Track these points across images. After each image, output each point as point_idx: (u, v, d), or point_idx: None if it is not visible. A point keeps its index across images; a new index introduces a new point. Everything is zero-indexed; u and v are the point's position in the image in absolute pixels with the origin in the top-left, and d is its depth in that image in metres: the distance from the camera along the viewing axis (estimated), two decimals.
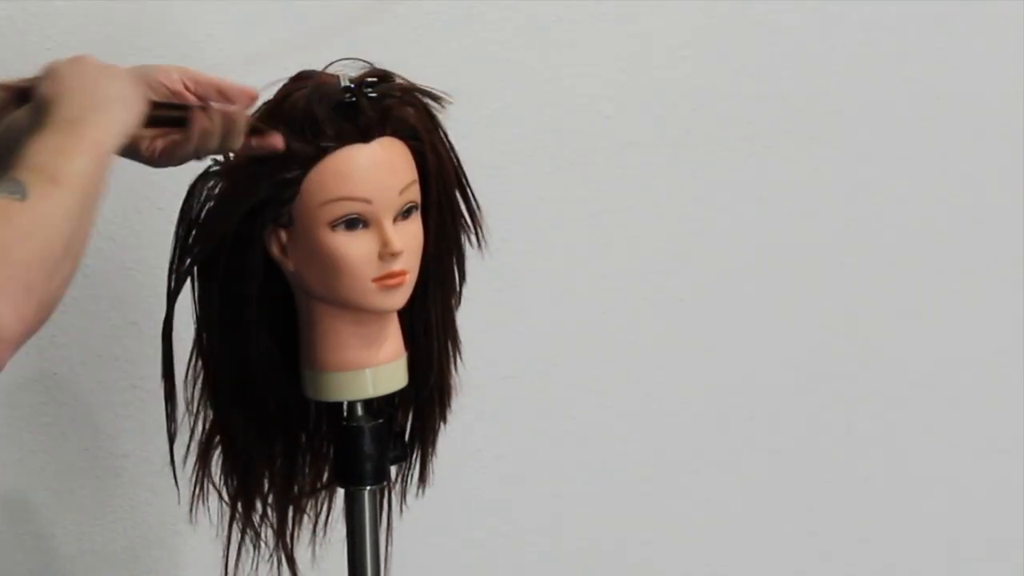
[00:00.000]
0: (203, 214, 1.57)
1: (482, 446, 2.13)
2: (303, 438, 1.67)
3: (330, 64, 1.59)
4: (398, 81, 1.59)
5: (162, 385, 1.62)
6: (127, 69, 1.45)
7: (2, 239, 1.22)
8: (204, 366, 1.62)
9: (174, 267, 1.58)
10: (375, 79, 1.57)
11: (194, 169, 1.57)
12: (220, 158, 1.55)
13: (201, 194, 1.57)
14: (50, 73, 1.42)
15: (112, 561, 1.99)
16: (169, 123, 1.49)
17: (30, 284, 1.22)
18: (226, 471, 1.66)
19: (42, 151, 1.31)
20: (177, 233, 1.59)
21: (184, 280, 1.58)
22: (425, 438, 1.70)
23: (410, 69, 1.62)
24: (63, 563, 1.98)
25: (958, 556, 2.41)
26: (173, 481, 1.66)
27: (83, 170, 1.31)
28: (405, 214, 1.55)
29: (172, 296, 1.58)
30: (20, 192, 1.25)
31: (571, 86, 2.08)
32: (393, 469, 1.68)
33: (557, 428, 2.17)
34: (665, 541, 2.27)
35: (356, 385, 1.59)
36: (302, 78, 1.57)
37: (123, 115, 1.40)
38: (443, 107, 1.59)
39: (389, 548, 1.69)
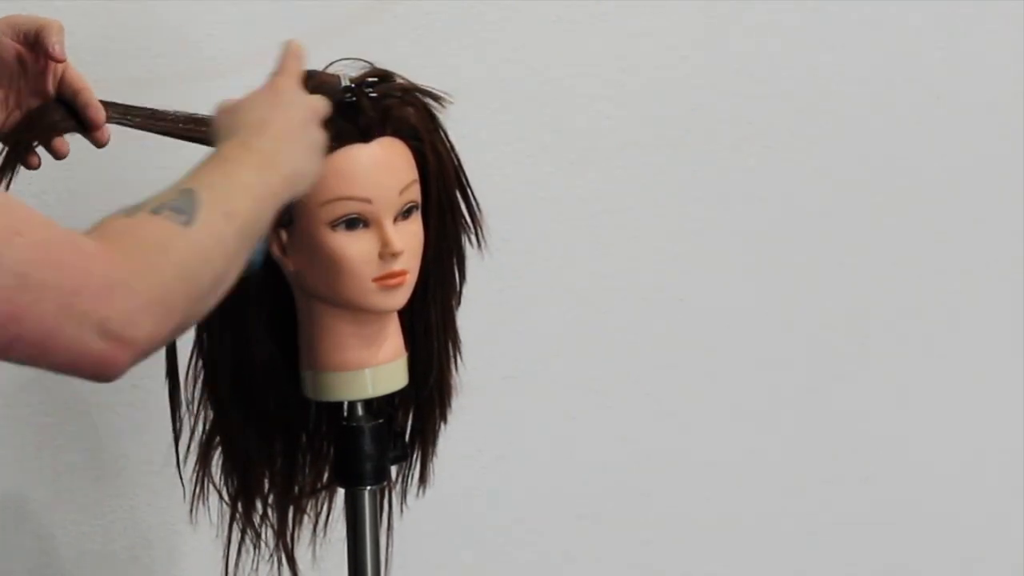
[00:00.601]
0: None
1: (482, 446, 2.13)
2: (303, 438, 1.67)
3: (330, 64, 1.59)
4: (398, 81, 1.59)
5: (166, 383, 1.62)
6: (314, 105, 1.45)
7: (154, 263, 1.21)
8: (204, 366, 1.62)
9: None
10: (375, 79, 1.57)
11: None
12: None
13: None
14: (268, 92, 1.43)
15: (112, 561, 1.99)
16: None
17: (174, 307, 1.22)
18: (226, 471, 1.66)
19: (230, 177, 1.30)
20: None
21: None
22: (425, 438, 1.70)
23: (410, 69, 1.62)
24: (63, 563, 1.98)
25: (958, 557, 2.41)
26: (173, 480, 1.66)
27: (259, 216, 1.31)
28: (405, 214, 1.55)
29: None
30: (188, 216, 1.24)
31: (571, 86, 2.08)
32: (393, 469, 1.68)
33: (557, 428, 2.17)
34: (665, 541, 2.27)
35: (356, 385, 1.59)
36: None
37: (312, 170, 1.42)
38: (443, 107, 1.59)
39: (389, 548, 1.69)
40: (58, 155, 1.53)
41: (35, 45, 1.50)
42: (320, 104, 1.46)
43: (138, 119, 1.52)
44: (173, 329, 1.23)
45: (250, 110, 1.41)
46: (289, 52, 1.49)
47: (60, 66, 1.51)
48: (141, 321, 1.20)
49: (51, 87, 1.51)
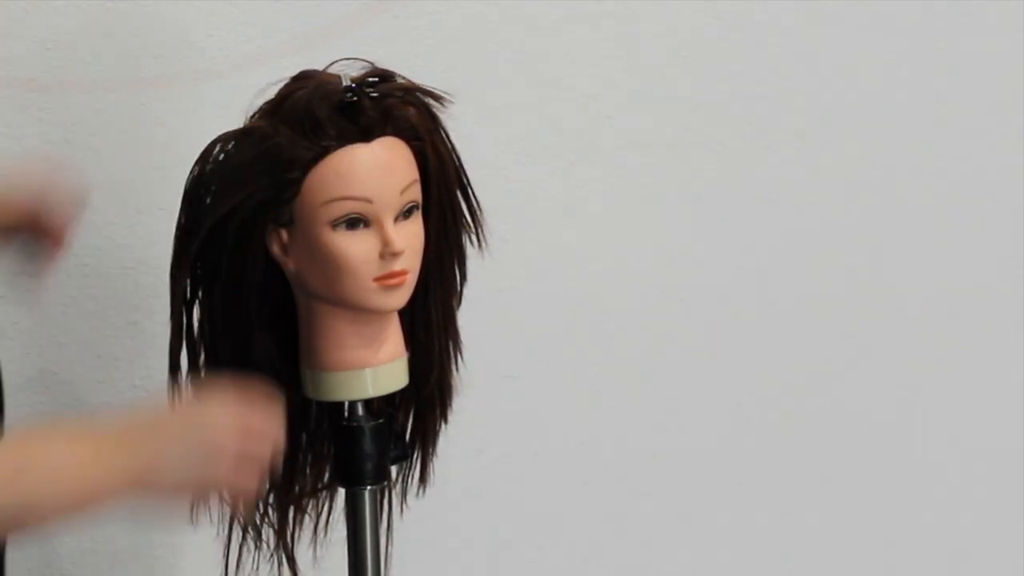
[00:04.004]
0: (202, 213, 1.57)
1: (482, 446, 2.13)
2: (304, 438, 1.67)
3: (331, 64, 1.59)
4: (399, 81, 1.59)
5: (168, 379, 1.62)
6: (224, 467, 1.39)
7: None
8: (205, 366, 1.62)
9: (175, 267, 1.58)
10: (376, 79, 1.57)
11: None
12: (221, 156, 1.55)
13: (201, 193, 1.57)
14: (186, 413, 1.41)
15: (112, 561, 1.99)
16: None
17: None
18: None
19: (49, 440, 1.30)
20: (177, 232, 1.58)
21: (185, 279, 1.58)
22: (425, 438, 1.70)
23: (410, 69, 1.62)
24: (63, 563, 1.98)
25: (958, 557, 2.41)
26: None
27: (59, 496, 1.29)
28: (406, 214, 1.55)
29: (174, 295, 1.58)
30: None
31: (571, 86, 2.08)
32: (393, 469, 1.68)
33: (557, 428, 2.17)
34: (666, 541, 2.27)
35: (356, 385, 1.59)
36: (303, 78, 1.57)
37: (181, 488, 1.38)
38: (444, 106, 1.59)
39: (389, 548, 1.69)
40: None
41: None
42: (227, 440, 1.39)
43: None
44: None
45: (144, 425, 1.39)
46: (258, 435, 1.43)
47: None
48: None
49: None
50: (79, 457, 1.31)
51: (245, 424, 1.39)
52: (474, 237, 1.64)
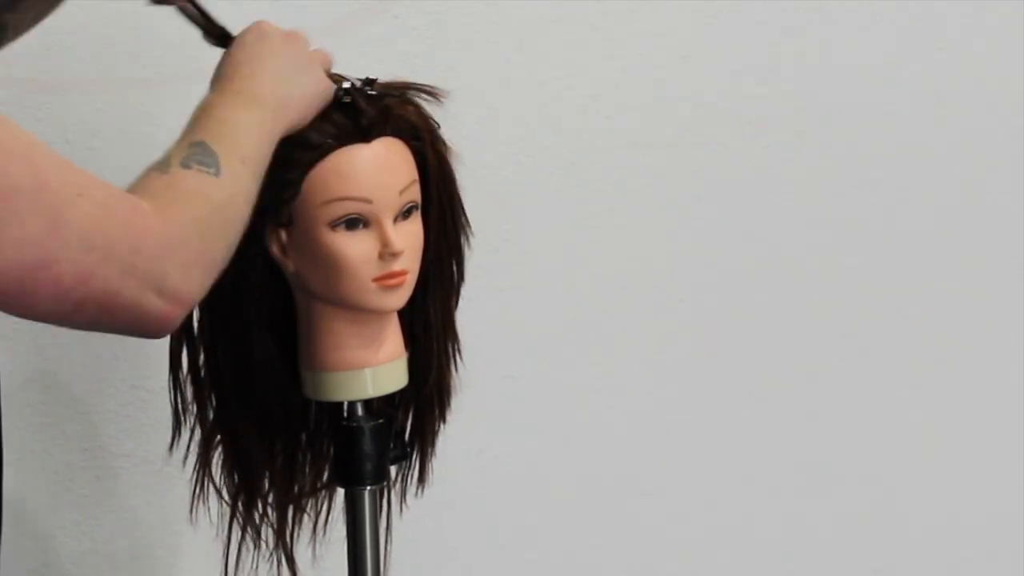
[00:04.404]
0: None
1: (482, 446, 2.13)
2: (303, 438, 1.67)
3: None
4: (398, 81, 1.59)
5: (168, 383, 1.62)
6: (318, 54, 1.49)
7: (203, 214, 1.26)
8: (205, 366, 1.62)
9: None
10: (374, 79, 1.57)
11: None
12: None
13: None
14: (251, 38, 1.46)
15: (112, 561, 1.99)
16: None
17: (217, 258, 1.28)
18: (226, 471, 1.66)
19: (238, 126, 1.35)
20: None
21: None
22: (425, 438, 1.70)
23: (410, 69, 1.62)
24: (63, 563, 1.98)
25: (959, 558, 2.41)
26: (173, 480, 1.66)
27: (263, 154, 1.37)
28: (405, 214, 1.55)
29: None
30: (215, 167, 1.29)
31: (571, 86, 2.09)
32: (393, 469, 1.68)
33: (557, 428, 2.17)
34: (666, 541, 2.27)
35: (356, 385, 1.59)
36: None
37: (312, 109, 1.47)
38: (441, 104, 1.59)
39: (389, 548, 1.69)
40: None
41: None
42: (299, 33, 1.50)
43: None
44: (213, 277, 1.29)
45: (228, 55, 1.46)
46: None
47: None
48: (193, 277, 1.24)
49: None
50: (250, 124, 1.38)
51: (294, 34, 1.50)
52: (473, 237, 1.64)
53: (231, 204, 1.31)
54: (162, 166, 1.29)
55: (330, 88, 1.51)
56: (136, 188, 1.27)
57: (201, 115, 1.37)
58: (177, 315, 1.25)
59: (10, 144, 1.19)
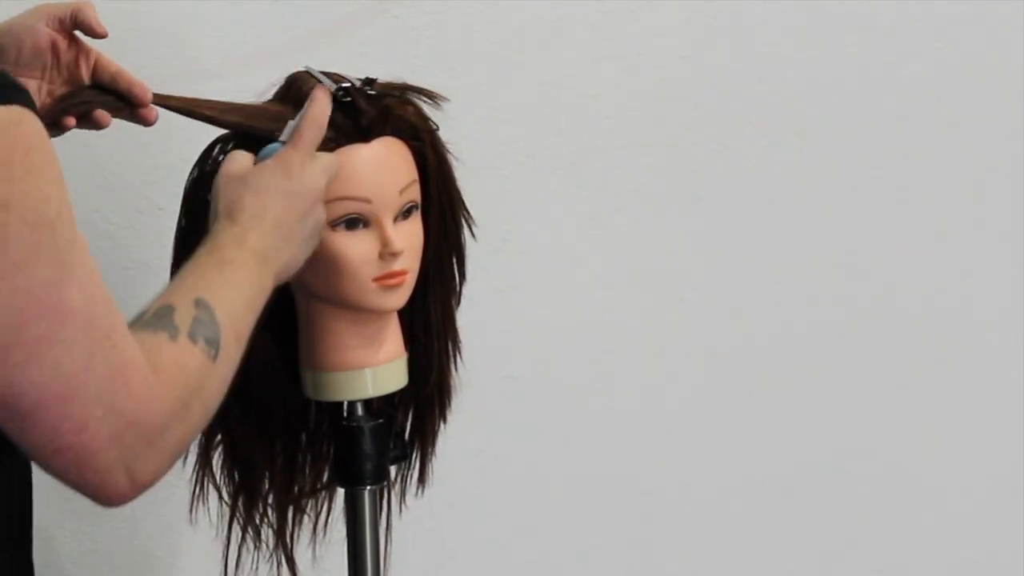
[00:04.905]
0: (202, 213, 1.56)
1: (482, 446, 2.13)
2: (303, 438, 1.67)
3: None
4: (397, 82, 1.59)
5: None
6: (318, 190, 1.44)
7: (195, 404, 1.22)
8: None
9: (176, 268, 1.58)
10: (374, 79, 1.57)
11: None
12: (221, 157, 1.55)
13: (201, 194, 1.57)
14: (277, 170, 1.41)
15: (112, 561, 1.99)
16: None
17: (185, 448, 1.24)
18: (226, 471, 1.66)
19: (236, 288, 1.31)
20: (177, 233, 1.58)
21: None
22: (425, 438, 1.70)
23: (410, 69, 1.62)
24: (63, 563, 1.98)
25: (959, 558, 2.41)
26: (173, 480, 1.65)
27: (252, 322, 1.32)
28: (405, 214, 1.55)
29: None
30: (215, 347, 1.24)
31: (571, 86, 2.08)
32: (393, 469, 1.68)
33: (557, 428, 2.17)
34: (666, 541, 2.27)
35: (356, 385, 1.59)
36: (300, 79, 1.57)
37: (304, 256, 1.43)
38: (439, 106, 1.59)
39: (389, 548, 1.69)
40: (100, 125, 1.53)
41: (74, 26, 1.50)
42: (323, 178, 1.45)
43: (179, 103, 1.52)
44: (173, 465, 1.24)
45: (255, 191, 1.40)
46: (312, 119, 1.46)
47: (93, 53, 1.50)
48: (162, 465, 1.21)
49: (85, 74, 1.51)
50: (253, 291, 1.34)
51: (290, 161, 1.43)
52: (473, 237, 1.64)
53: (218, 391, 1.27)
54: (171, 329, 1.24)
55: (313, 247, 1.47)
56: (143, 343, 1.21)
57: (207, 259, 1.33)
58: (131, 497, 1.21)
59: (82, 270, 1.15)
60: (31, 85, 1.50)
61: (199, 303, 1.27)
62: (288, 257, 1.40)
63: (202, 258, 1.34)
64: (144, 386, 1.18)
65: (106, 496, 1.20)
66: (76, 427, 1.15)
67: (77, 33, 1.50)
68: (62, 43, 1.50)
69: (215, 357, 1.24)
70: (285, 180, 1.42)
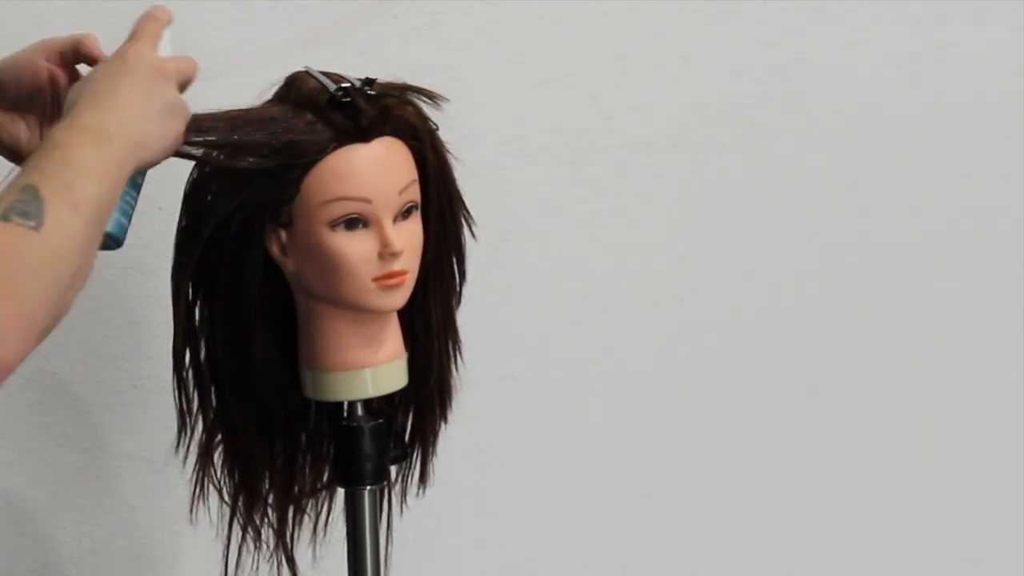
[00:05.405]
0: (202, 213, 1.57)
1: (482, 446, 2.13)
2: (303, 438, 1.67)
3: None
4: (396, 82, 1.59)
5: (173, 379, 1.62)
6: (156, 65, 1.39)
7: (12, 275, 1.18)
8: (206, 365, 1.62)
9: (176, 268, 1.58)
10: (373, 79, 1.57)
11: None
12: (221, 157, 1.55)
13: (201, 194, 1.57)
14: (115, 67, 1.37)
15: (112, 561, 1.99)
16: None
17: (36, 318, 1.20)
18: (227, 471, 1.66)
19: (67, 164, 1.26)
20: (178, 234, 1.59)
21: (187, 281, 1.58)
22: (425, 438, 1.70)
23: (410, 69, 1.62)
24: (63, 563, 1.98)
25: (959, 558, 2.41)
26: (173, 480, 1.66)
27: (104, 196, 1.27)
28: (405, 214, 1.55)
29: (177, 297, 1.58)
30: (36, 217, 1.21)
31: (571, 86, 2.08)
32: (393, 469, 1.68)
33: (557, 428, 2.17)
34: (666, 541, 2.27)
35: (356, 385, 1.59)
36: (299, 79, 1.57)
37: (161, 132, 1.36)
38: (439, 106, 1.59)
39: (389, 548, 1.69)
40: None
41: (76, 60, 1.48)
42: (171, 64, 1.40)
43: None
44: (38, 337, 1.21)
45: (89, 82, 1.36)
46: (148, 15, 1.44)
47: None
48: (7, 341, 1.17)
49: None
50: (93, 163, 1.28)
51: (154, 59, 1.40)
52: (473, 237, 1.64)
53: (53, 259, 1.21)
54: None
55: (180, 140, 1.41)
56: None
57: (41, 152, 1.28)
58: None
59: None
60: (31, 121, 1.49)
61: (23, 187, 1.23)
62: (140, 132, 1.34)
63: (35, 152, 1.30)
64: None
65: None
66: None
67: (81, 66, 1.49)
68: (62, 78, 1.49)
69: (36, 227, 1.20)
70: (122, 63, 1.38)
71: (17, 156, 1.49)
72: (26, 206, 1.21)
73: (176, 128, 1.39)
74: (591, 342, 2.16)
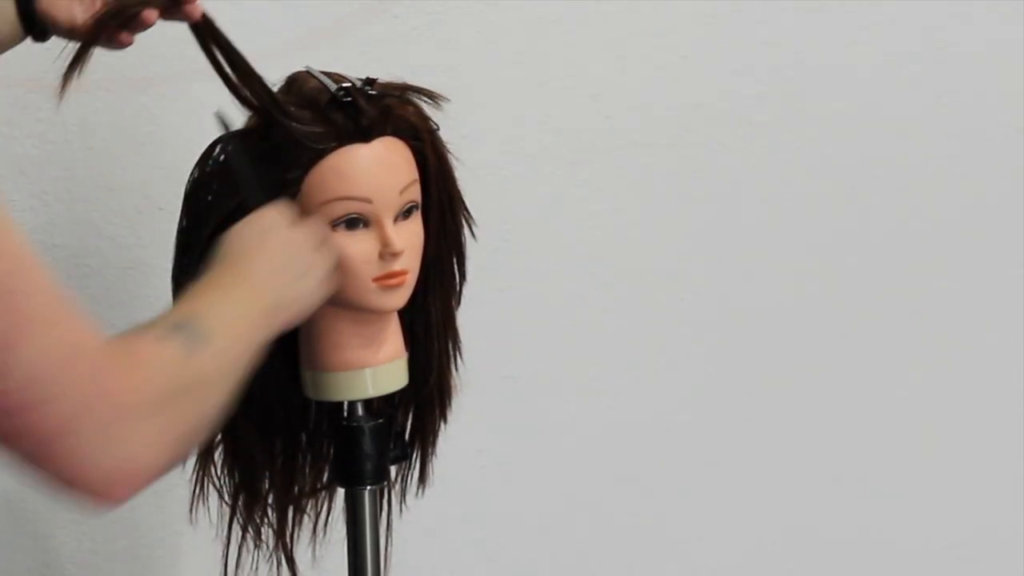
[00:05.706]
0: (203, 213, 1.57)
1: (482, 446, 2.13)
2: (303, 438, 1.67)
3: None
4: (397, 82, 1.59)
5: None
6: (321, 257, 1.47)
7: (171, 390, 1.20)
8: None
9: (177, 268, 1.58)
10: (374, 79, 1.57)
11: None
12: (222, 158, 1.55)
13: (202, 194, 1.57)
14: (254, 231, 1.43)
15: (112, 561, 1.99)
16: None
17: (179, 440, 1.21)
18: (227, 471, 1.66)
19: (229, 311, 1.31)
20: (178, 234, 1.58)
21: (188, 281, 1.58)
22: (425, 438, 1.70)
23: (410, 69, 1.62)
24: (63, 563, 1.98)
25: (959, 558, 2.41)
26: (173, 481, 1.65)
27: (250, 352, 1.32)
28: (406, 214, 1.55)
29: (177, 296, 1.58)
30: (193, 345, 1.24)
31: (571, 86, 2.08)
32: (393, 469, 1.68)
33: (557, 428, 2.17)
34: (666, 540, 2.27)
35: (356, 385, 1.59)
36: (300, 79, 1.57)
37: (302, 297, 1.44)
38: (439, 106, 1.59)
39: (389, 548, 1.69)
40: (123, 43, 1.54)
41: None
42: (311, 229, 1.47)
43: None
44: (173, 459, 1.22)
45: (233, 242, 1.42)
46: None
47: None
48: (150, 452, 1.18)
49: None
50: (245, 311, 1.34)
51: (302, 232, 1.47)
52: (473, 236, 1.64)
53: (201, 387, 1.24)
54: (144, 330, 1.23)
55: (327, 291, 1.48)
56: (121, 340, 1.21)
57: (194, 293, 1.33)
58: (123, 485, 1.19)
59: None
60: (86, 2, 1.51)
61: (181, 314, 1.27)
62: (280, 291, 1.41)
63: (191, 289, 1.35)
64: (98, 371, 1.15)
65: (90, 489, 1.20)
66: (15, 406, 1.12)
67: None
68: None
69: (191, 354, 1.23)
70: (261, 223, 1.45)
71: (72, 35, 1.51)
72: (186, 331, 1.24)
73: (313, 295, 1.47)
74: (591, 342, 2.16)
